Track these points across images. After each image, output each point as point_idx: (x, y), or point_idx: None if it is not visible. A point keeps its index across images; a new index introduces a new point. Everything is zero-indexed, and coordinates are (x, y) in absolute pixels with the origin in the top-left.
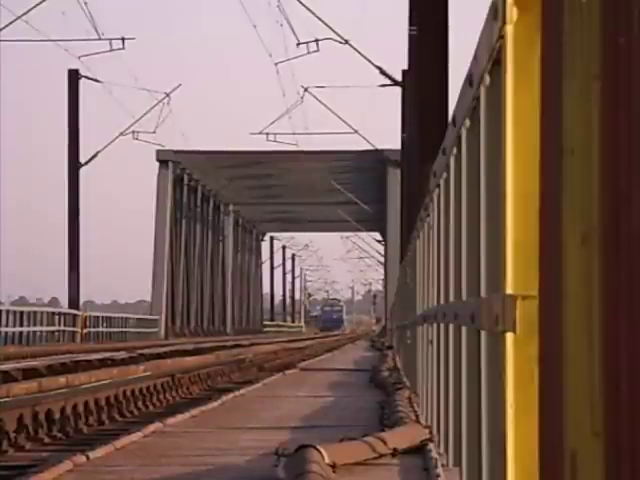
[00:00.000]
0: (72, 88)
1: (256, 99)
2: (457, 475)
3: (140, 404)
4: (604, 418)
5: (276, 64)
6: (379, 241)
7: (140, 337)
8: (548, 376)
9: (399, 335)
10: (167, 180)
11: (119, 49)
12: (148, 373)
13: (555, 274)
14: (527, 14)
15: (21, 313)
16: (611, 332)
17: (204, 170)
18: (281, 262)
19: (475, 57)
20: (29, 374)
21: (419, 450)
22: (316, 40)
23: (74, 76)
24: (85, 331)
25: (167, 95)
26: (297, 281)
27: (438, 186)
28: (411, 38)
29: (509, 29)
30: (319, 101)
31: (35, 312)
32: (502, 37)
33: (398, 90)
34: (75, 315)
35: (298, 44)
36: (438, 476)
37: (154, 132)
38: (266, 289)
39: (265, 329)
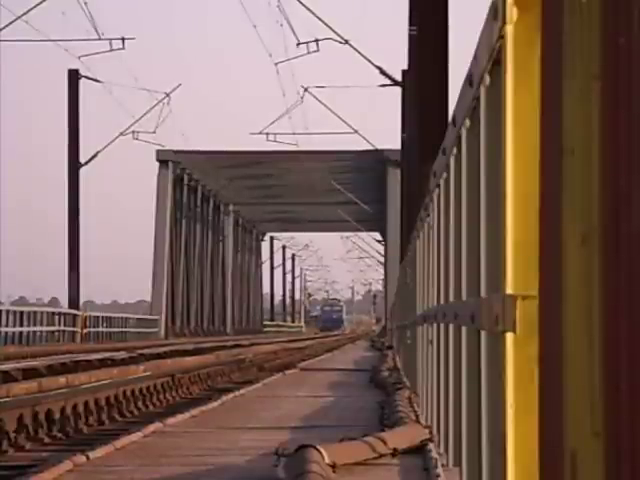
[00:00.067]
0: (72, 88)
1: (256, 99)
2: (457, 475)
3: (140, 404)
4: (604, 418)
5: (276, 64)
6: (379, 241)
7: (140, 337)
8: (548, 376)
9: (399, 335)
10: (167, 180)
11: (119, 49)
12: (148, 373)
13: (555, 274)
14: (527, 14)
15: (21, 313)
16: (611, 332)
17: (204, 170)
18: (281, 262)
19: (475, 57)
20: (29, 374)
21: (419, 450)
22: (316, 40)
23: (74, 76)
24: (85, 331)
25: (167, 95)
26: (297, 281)
27: (438, 186)
28: (411, 38)
29: (509, 29)
30: (319, 101)
31: (35, 312)
32: (502, 37)
33: (398, 90)
34: (75, 315)
35: (298, 44)
36: (438, 476)
37: (154, 132)
38: (266, 289)
39: (265, 329)
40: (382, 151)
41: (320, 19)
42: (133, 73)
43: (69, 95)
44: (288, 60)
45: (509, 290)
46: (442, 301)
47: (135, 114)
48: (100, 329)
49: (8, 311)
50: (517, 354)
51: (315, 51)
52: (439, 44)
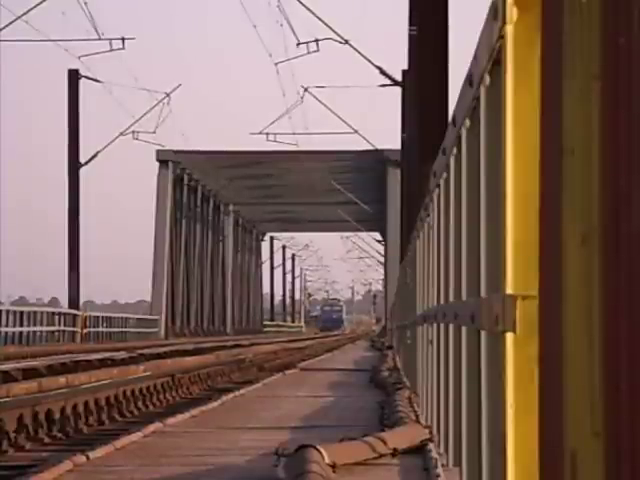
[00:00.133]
0: (72, 88)
1: (256, 99)
2: (457, 475)
3: (140, 404)
4: (604, 418)
5: (276, 64)
6: (379, 241)
7: (140, 337)
8: (548, 376)
9: (399, 335)
10: (167, 180)
11: (119, 49)
12: (148, 373)
13: (555, 274)
14: (527, 14)
15: (21, 313)
16: (611, 332)
17: (204, 170)
18: (281, 262)
19: (475, 57)
20: (29, 374)
21: (419, 450)
22: (316, 40)
23: (74, 76)
24: (85, 331)
25: (167, 95)
26: (297, 281)
27: (438, 186)
28: (411, 38)
29: (509, 29)
30: (319, 101)
31: (35, 312)
32: (502, 37)
33: (398, 90)
34: (75, 315)
35: (298, 44)
36: (438, 476)
37: (154, 132)
38: (266, 289)
39: (265, 329)
40: (382, 151)
41: (320, 19)
42: (133, 73)
43: (69, 95)
44: (288, 60)
45: (509, 290)
46: (442, 301)
47: (135, 114)
48: (100, 329)
49: (8, 311)
50: (517, 354)
51: (315, 51)
52: (439, 44)
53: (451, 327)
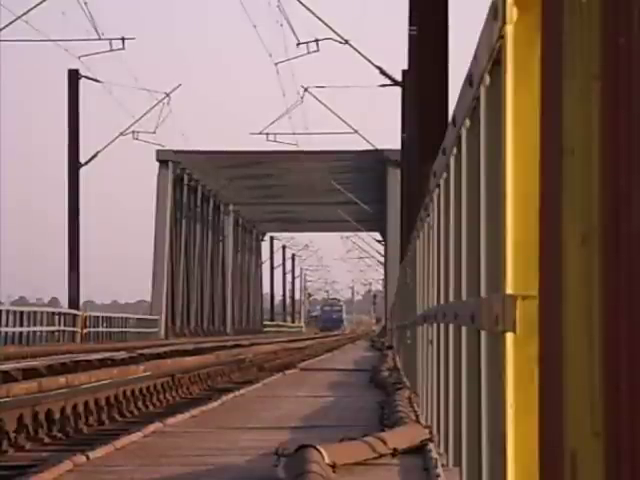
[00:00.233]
0: (72, 88)
1: (256, 99)
2: (457, 475)
3: (140, 404)
4: (604, 418)
5: (276, 64)
6: (379, 241)
7: (140, 337)
8: (548, 376)
9: (399, 335)
10: (167, 180)
11: (119, 49)
12: (148, 373)
13: (555, 274)
14: (527, 14)
15: (21, 313)
16: (611, 332)
17: (204, 170)
18: (281, 262)
19: (475, 57)
20: (29, 374)
21: (419, 450)
22: (316, 40)
23: (74, 76)
24: (85, 331)
25: (167, 95)
26: (297, 281)
27: (438, 186)
28: (411, 38)
29: (509, 29)
30: (319, 101)
31: (35, 312)
32: (502, 37)
33: (398, 90)
34: (75, 315)
35: (298, 44)
36: (438, 476)
37: (154, 132)
38: (266, 289)
39: (265, 329)
40: (382, 151)
41: (320, 19)
42: (133, 73)
43: (69, 95)
44: (288, 60)
45: (509, 290)
46: (442, 301)
47: (135, 114)
48: (100, 329)
49: (8, 311)
50: (517, 354)
51: (315, 51)
52: (439, 44)
53: (451, 327)
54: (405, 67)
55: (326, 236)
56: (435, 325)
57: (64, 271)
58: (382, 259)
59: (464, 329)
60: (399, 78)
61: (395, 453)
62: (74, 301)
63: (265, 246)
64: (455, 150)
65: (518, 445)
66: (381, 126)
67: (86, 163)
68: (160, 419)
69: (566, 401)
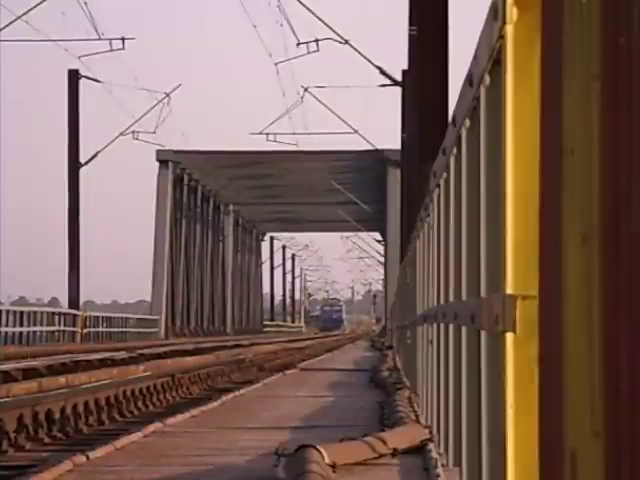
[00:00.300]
0: (72, 88)
1: (256, 99)
2: (457, 475)
3: (140, 404)
4: (604, 418)
5: (276, 64)
6: (379, 241)
7: (140, 337)
8: (548, 376)
9: (399, 335)
10: (167, 180)
11: (119, 49)
12: (148, 373)
13: (555, 274)
14: (527, 14)
15: (21, 313)
16: (611, 332)
17: (204, 170)
18: (281, 262)
19: (475, 57)
20: (29, 374)
21: (419, 450)
22: (316, 40)
23: (74, 76)
24: (85, 331)
25: (167, 95)
26: (297, 281)
27: (438, 186)
28: (411, 38)
29: (509, 29)
30: (319, 101)
31: (35, 312)
32: (502, 37)
33: (398, 90)
34: (75, 315)
35: (298, 44)
36: (438, 476)
37: (154, 132)
38: (266, 289)
39: (265, 329)
40: (382, 151)
41: (320, 19)
42: (133, 73)
43: (69, 95)
44: (288, 60)
45: (509, 290)
46: (442, 301)
47: (135, 114)
48: (100, 329)
49: (8, 311)
50: (517, 354)
51: (315, 51)
52: (439, 44)
53: (451, 327)
54: (405, 67)
55: (326, 236)
56: (435, 325)
57: (64, 271)
58: (382, 259)
59: (464, 329)
60: (399, 78)
61: (395, 453)
62: (74, 301)
63: (265, 246)
64: (455, 150)
65: (518, 445)
66: (381, 126)
67: (86, 163)
68: (160, 419)
69: (566, 401)
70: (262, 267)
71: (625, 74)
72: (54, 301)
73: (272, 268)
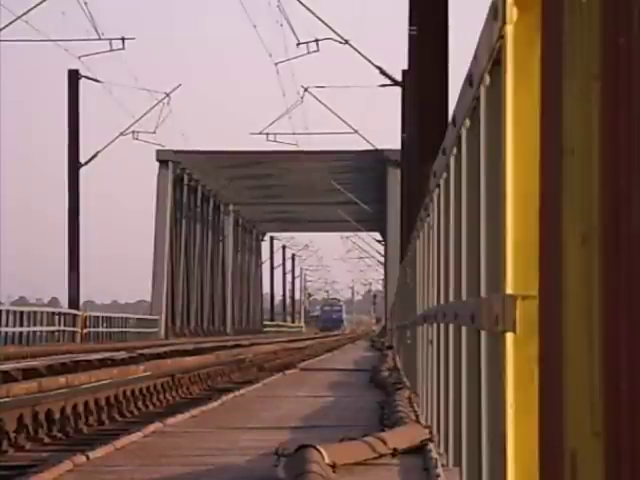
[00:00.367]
0: (72, 88)
1: (256, 99)
2: (457, 475)
3: (140, 404)
4: (604, 418)
5: (276, 64)
6: (379, 241)
7: (140, 337)
8: (548, 376)
9: (399, 335)
10: (167, 180)
11: (119, 49)
12: (148, 373)
13: (555, 274)
14: (527, 14)
15: (21, 313)
16: (611, 332)
17: (204, 170)
18: (281, 262)
19: (475, 57)
20: (29, 374)
21: (419, 450)
22: (316, 40)
23: (74, 76)
24: (85, 331)
25: (167, 95)
26: (297, 281)
27: (438, 186)
28: (411, 38)
29: (509, 29)
30: (319, 101)
31: (35, 312)
32: (502, 37)
33: (398, 90)
34: (75, 315)
35: (298, 44)
36: (438, 476)
37: (154, 132)
38: (266, 289)
39: (265, 329)
40: (382, 151)
41: (320, 19)
42: (133, 73)
43: (69, 95)
44: (288, 60)
45: (509, 290)
46: (442, 301)
47: (135, 114)
48: (100, 329)
49: (8, 311)
50: (517, 354)
51: (315, 51)
52: (439, 44)
53: (451, 327)
54: (405, 67)
55: (326, 236)
56: (435, 325)
57: (64, 271)
58: (382, 259)
59: (464, 329)
60: (399, 78)
61: (395, 453)
62: (74, 301)
63: (265, 246)
64: (455, 150)
65: (518, 445)
66: (381, 126)
67: (86, 163)
68: (160, 419)
69: (566, 401)
70: (262, 267)
71: (625, 74)
72: (54, 301)
73: (272, 268)
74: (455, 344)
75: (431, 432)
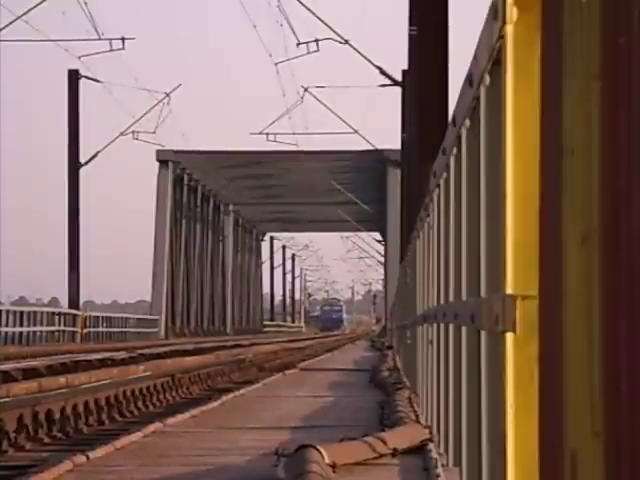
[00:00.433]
0: (72, 88)
1: (256, 99)
2: (457, 475)
3: (140, 404)
4: (604, 418)
5: (276, 64)
6: (379, 241)
7: (140, 337)
8: (548, 376)
9: (399, 335)
10: (167, 180)
11: (119, 49)
12: (148, 373)
13: (555, 274)
14: (527, 14)
15: (21, 313)
16: (611, 332)
17: (204, 170)
18: (281, 262)
19: (475, 57)
20: (29, 374)
21: (419, 450)
22: (316, 40)
23: (74, 76)
24: (85, 331)
25: (167, 95)
26: (297, 281)
27: (438, 186)
28: (411, 38)
29: (509, 29)
30: (319, 101)
31: (35, 312)
32: (502, 37)
33: (398, 90)
34: (75, 315)
35: (298, 44)
36: (438, 476)
37: (154, 132)
38: (266, 289)
39: (265, 329)
40: (382, 151)
41: (320, 19)
42: (133, 73)
43: (69, 95)
44: (288, 60)
45: (509, 290)
46: (442, 301)
47: (135, 114)
48: (100, 329)
49: (8, 311)
50: (517, 354)
51: (315, 51)
52: (439, 44)
53: (451, 327)
54: (405, 67)
55: (326, 236)
56: (435, 325)
57: (64, 271)
58: (382, 259)
59: (464, 329)
60: (399, 78)
61: (395, 453)
62: (74, 301)
63: (265, 246)
64: (455, 150)
65: (518, 445)
66: (381, 126)
67: (86, 163)
68: (160, 419)
69: (566, 401)
70: (262, 267)
71: (625, 74)
72: (54, 301)
73: (272, 268)
74: (455, 344)
75: (431, 432)
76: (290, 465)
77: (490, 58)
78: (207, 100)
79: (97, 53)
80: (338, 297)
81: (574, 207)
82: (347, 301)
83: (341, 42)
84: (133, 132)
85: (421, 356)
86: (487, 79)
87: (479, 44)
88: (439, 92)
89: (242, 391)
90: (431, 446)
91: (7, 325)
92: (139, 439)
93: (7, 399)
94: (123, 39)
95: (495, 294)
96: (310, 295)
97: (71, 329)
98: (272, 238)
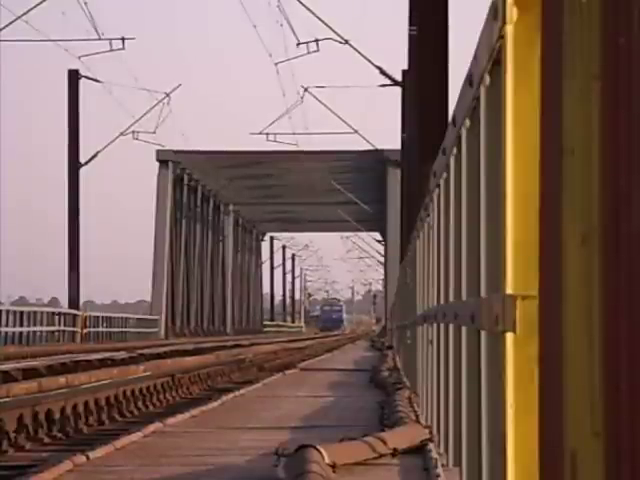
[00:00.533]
0: (72, 88)
1: (256, 99)
2: (457, 475)
3: (140, 404)
4: (604, 418)
5: (276, 64)
6: (379, 241)
7: (140, 337)
8: (548, 376)
9: (399, 335)
10: (167, 180)
11: (119, 49)
12: (148, 373)
13: (555, 274)
14: (527, 14)
15: (21, 313)
16: (611, 332)
17: (204, 170)
18: (281, 262)
19: (475, 57)
20: (29, 374)
21: (419, 450)
22: (316, 40)
23: (74, 76)
24: (85, 331)
25: (167, 95)
26: (297, 281)
27: (438, 186)
28: (411, 38)
29: (509, 29)
30: (319, 101)
31: (35, 312)
32: (502, 37)
33: (398, 90)
34: (75, 315)
35: (298, 44)
36: (438, 476)
37: (154, 132)
38: (266, 289)
39: (265, 329)
40: (382, 151)
41: (320, 19)
42: (133, 73)
43: (69, 95)
44: (288, 60)
45: (509, 290)
46: (442, 301)
47: (135, 114)
48: (100, 329)
49: (8, 311)
50: (517, 354)
51: (315, 51)
52: (439, 44)
53: (451, 327)
54: (405, 67)
55: (326, 236)
56: (435, 325)
57: (64, 271)
58: (382, 259)
59: (464, 329)
60: (399, 78)
61: (395, 453)
62: (74, 301)
63: (265, 246)
64: (455, 150)
65: (518, 445)
66: (381, 126)
67: (86, 163)
68: (160, 419)
69: (566, 401)
70: (262, 267)
71: (625, 74)
72: (54, 301)
73: (272, 268)
74: (455, 344)
75: (431, 432)
76: (290, 465)
77: (490, 58)
78: (207, 100)
79: (97, 53)
80: (338, 297)
81: (574, 207)
82: (347, 301)
83: (341, 42)
84: (133, 132)
85: (421, 356)
86: (487, 79)
87: (479, 44)
88: (439, 92)
89: (242, 391)
90: (431, 446)
91: (7, 325)
92: (139, 439)
93: (7, 399)
94: (123, 39)
95: (495, 294)
96: (310, 295)
97: (71, 329)
98: (272, 238)
